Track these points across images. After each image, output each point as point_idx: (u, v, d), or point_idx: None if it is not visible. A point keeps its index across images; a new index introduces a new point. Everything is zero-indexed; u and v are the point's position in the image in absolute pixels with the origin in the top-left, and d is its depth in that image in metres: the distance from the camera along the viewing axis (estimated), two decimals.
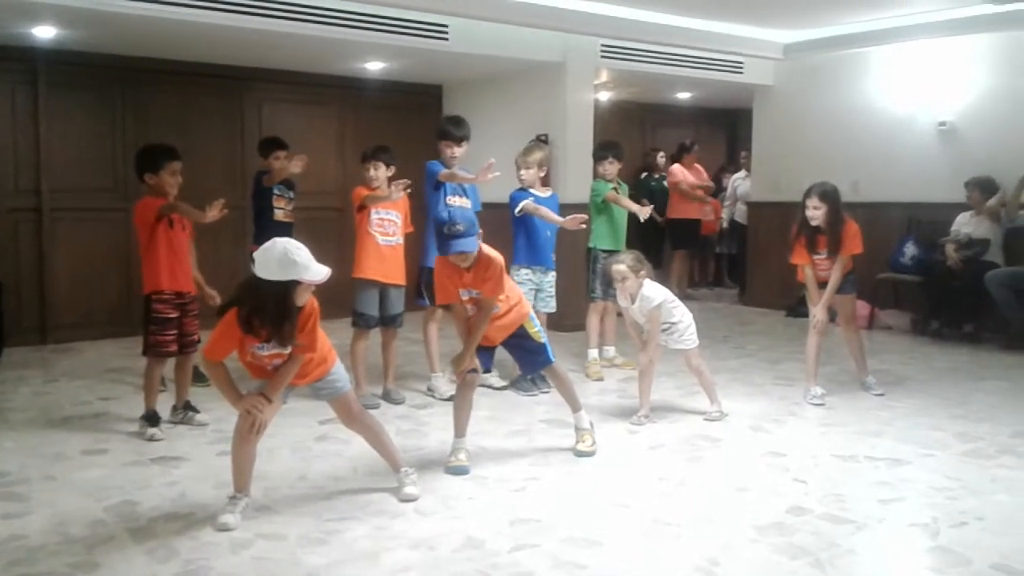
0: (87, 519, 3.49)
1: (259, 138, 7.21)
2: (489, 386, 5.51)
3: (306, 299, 3.35)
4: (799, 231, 5.32)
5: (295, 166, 6.16)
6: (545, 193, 5.79)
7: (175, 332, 4.71)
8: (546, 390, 5.43)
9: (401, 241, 5.34)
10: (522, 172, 5.69)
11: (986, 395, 5.51)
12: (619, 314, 5.57)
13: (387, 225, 5.27)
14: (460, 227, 3.87)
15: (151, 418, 4.66)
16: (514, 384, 5.60)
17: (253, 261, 3.28)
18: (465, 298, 4.07)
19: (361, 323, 5.29)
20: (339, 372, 3.65)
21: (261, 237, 6.21)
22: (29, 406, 5.29)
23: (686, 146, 10.17)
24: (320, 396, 3.73)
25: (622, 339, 6.14)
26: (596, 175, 6.33)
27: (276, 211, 6.25)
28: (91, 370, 6.21)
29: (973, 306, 7.14)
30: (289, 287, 3.24)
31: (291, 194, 6.41)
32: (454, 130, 5.33)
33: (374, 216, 5.22)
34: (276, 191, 6.30)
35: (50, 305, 7.25)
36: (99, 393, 5.58)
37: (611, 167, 6.15)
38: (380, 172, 5.28)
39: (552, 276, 5.75)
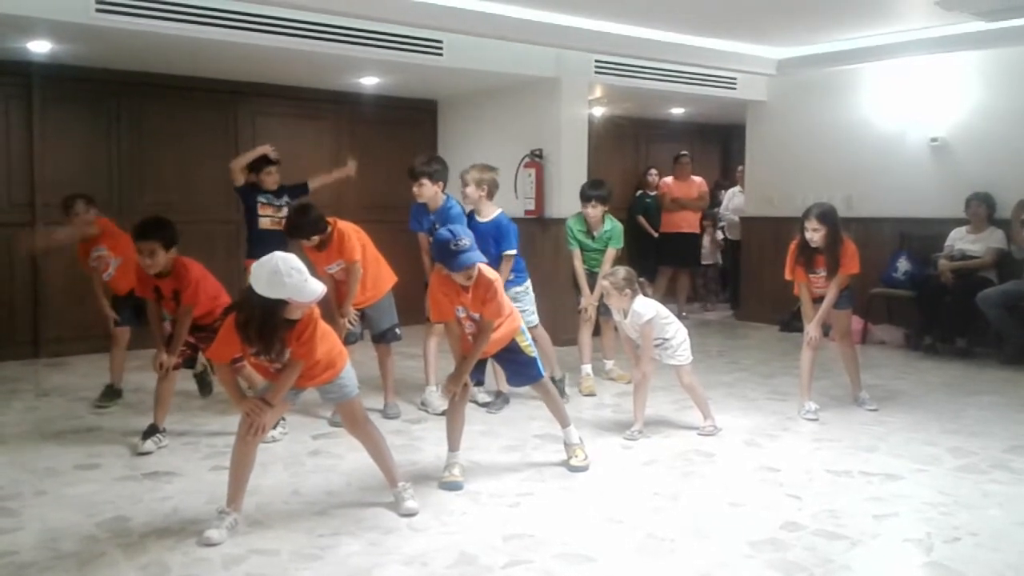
0: (79, 535, 3.47)
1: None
2: (474, 401, 5.43)
3: (300, 314, 3.36)
4: (798, 252, 5.33)
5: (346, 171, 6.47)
6: (487, 216, 5.42)
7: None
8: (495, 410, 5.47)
9: (339, 267, 5.14)
10: (468, 188, 5.43)
11: (979, 410, 5.51)
12: (615, 329, 5.55)
13: (338, 274, 5.18)
14: (465, 241, 3.89)
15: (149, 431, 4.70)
16: (491, 404, 5.55)
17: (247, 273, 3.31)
18: (461, 315, 4.07)
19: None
20: (348, 376, 3.66)
21: (251, 248, 6.18)
22: (21, 420, 5.26)
23: (676, 158, 10.05)
24: (328, 399, 3.76)
25: (621, 353, 6.16)
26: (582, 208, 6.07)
27: (262, 219, 6.18)
28: (84, 384, 6.17)
29: (966, 321, 7.16)
30: (278, 304, 3.24)
31: (280, 201, 6.27)
32: (413, 167, 5.40)
33: (328, 271, 5.14)
34: (262, 199, 6.19)
35: (43, 319, 7.23)
36: (91, 408, 5.55)
37: (593, 211, 5.96)
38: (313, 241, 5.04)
39: (516, 291, 5.46)
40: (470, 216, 5.48)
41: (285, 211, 6.20)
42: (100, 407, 5.51)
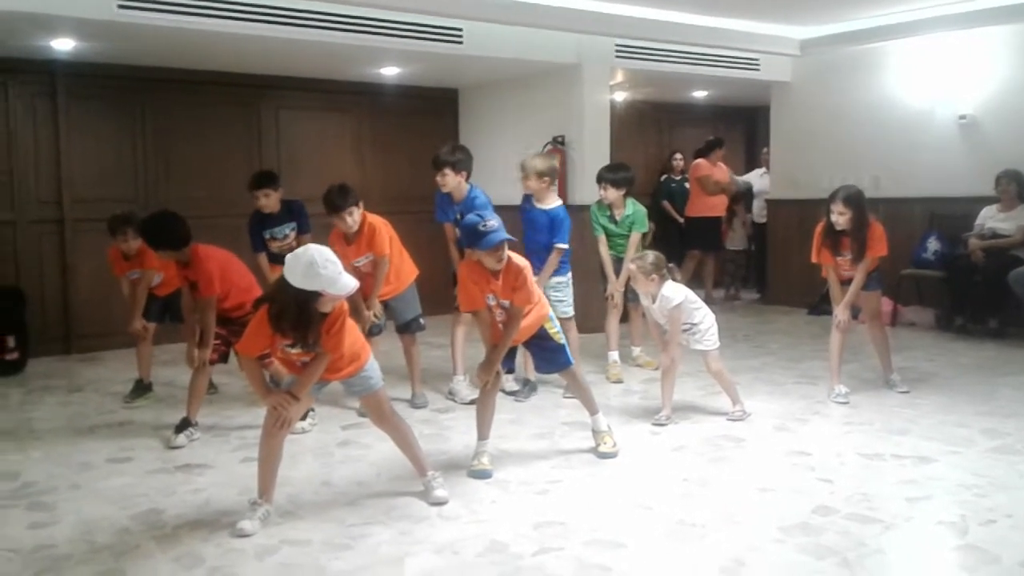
0: (113, 527, 3.52)
1: (276, 145, 7.19)
2: (501, 389, 5.40)
3: (332, 307, 3.37)
4: (824, 235, 5.28)
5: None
6: (547, 204, 5.49)
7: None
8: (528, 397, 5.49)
9: (367, 260, 5.12)
10: (529, 181, 5.48)
11: (1013, 390, 5.44)
12: (643, 315, 5.52)
13: (365, 266, 5.13)
14: (493, 223, 3.91)
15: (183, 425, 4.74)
16: (519, 392, 5.55)
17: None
18: (491, 303, 4.07)
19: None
20: (372, 369, 3.67)
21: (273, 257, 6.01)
22: (54, 416, 5.34)
23: (717, 142, 9.76)
24: (352, 392, 3.78)
25: (648, 339, 6.14)
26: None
27: (276, 253, 5.74)
28: (115, 379, 6.24)
29: (997, 301, 7.06)
30: (311, 295, 3.26)
31: (281, 231, 5.89)
32: (437, 156, 5.38)
33: (355, 264, 5.07)
34: (266, 235, 5.88)
35: (74, 316, 7.32)
36: (123, 403, 5.60)
37: (604, 193, 5.96)
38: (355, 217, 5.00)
39: (558, 280, 5.49)
40: (528, 202, 5.58)
41: (291, 237, 5.86)
42: (130, 403, 5.55)
